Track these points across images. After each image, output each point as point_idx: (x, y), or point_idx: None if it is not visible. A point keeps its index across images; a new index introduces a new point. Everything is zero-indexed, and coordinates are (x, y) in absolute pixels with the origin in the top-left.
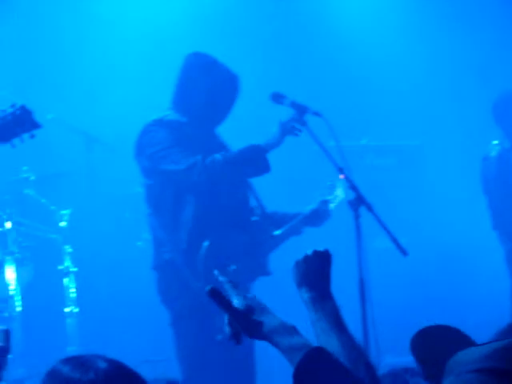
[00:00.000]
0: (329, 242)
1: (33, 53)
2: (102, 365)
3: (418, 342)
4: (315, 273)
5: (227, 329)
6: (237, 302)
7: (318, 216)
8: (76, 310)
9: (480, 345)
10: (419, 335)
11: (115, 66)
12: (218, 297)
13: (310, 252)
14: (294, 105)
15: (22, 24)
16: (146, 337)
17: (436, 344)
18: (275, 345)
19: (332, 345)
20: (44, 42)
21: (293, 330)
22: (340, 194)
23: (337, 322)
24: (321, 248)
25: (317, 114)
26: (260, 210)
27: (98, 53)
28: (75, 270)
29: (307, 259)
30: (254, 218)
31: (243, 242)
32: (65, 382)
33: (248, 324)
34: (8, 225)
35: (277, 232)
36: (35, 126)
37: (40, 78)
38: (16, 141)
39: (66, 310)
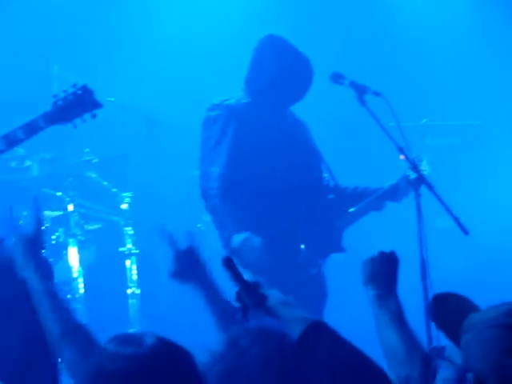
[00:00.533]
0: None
1: (96, 35)
2: (149, 340)
3: (435, 308)
4: (382, 274)
5: (236, 303)
6: (247, 276)
7: (398, 191)
8: (138, 291)
9: (495, 306)
10: (435, 301)
11: (176, 47)
12: (232, 267)
13: (377, 253)
14: (353, 85)
15: (86, 6)
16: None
17: (451, 308)
18: (279, 317)
19: (390, 336)
20: (108, 25)
21: (294, 304)
22: (425, 168)
23: (398, 317)
24: (387, 250)
25: (377, 93)
26: (334, 186)
27: (158, 34)
28: (137, 251)
29: (375, 260)
30: (329, 196)
31: (316, 219)
32: (108, 356)
33: (256, 296)
34: (70, 207)
35: (351, 209)
36: (97, 105)
37: (101, 61)
38: (78, 121)
39: (128, 291)
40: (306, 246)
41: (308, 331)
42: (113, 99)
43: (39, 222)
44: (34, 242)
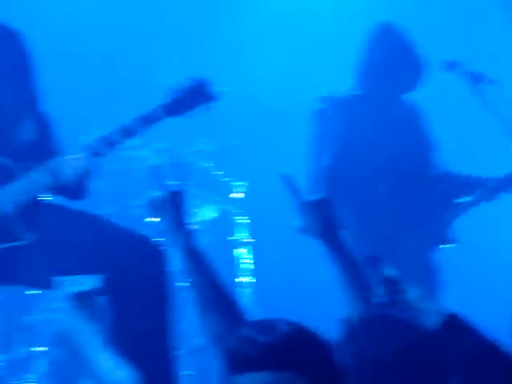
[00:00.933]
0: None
1: (209, 26)
2: (284, 328)
3: None
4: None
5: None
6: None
7: None
8: (253, 280)
9: None
10: None
11: (289, 35)
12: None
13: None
14: (468, 73)
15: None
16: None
17: None
18: (415, 308)
19: None
20: (220, 16)
21: (428, 296)
22: None
23: None
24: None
25: (492, 82)
26: (446, 174)
27: (272, 22)
28: (252, 240)
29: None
30: (439, 186)
31: (422, 211)
32: (247, 343)
33: (395, 290)
34: None
35: (463, 199)
36: (212, 98)
37: (215, 51)
38: (194, 113)
39: (243, 280)
40: (412, 239)
41: (446, 323)
42: (228, 89)
43: (185, 182)
44: (182, 201)
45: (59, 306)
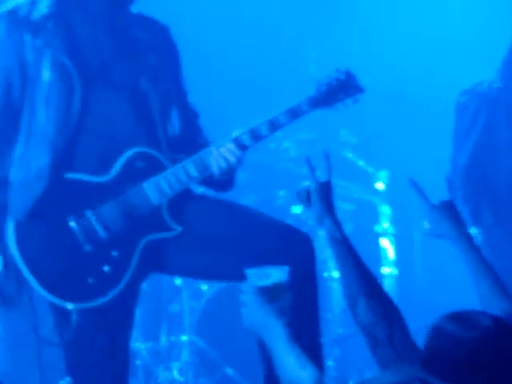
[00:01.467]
0: None
1: (350, 18)
2: (486, 322)
3: None
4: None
5: None
6: None
7: None
8: (395, 272)
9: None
10: None
11: (429, 28)
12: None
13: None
14: None
15: None
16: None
17: None
18: None
19: None
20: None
21: None
22: None
23: None
24: None
25: None
26: None
27: (410, 18)
28: (394, 231)
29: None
30: None
31: None
32: (450, 340)
33: None
34: None
35: None
36: (359, 90)
37: (355, 43)
38: (340, 105)
39: (385, 270)
40: None
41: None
42: (368, 80)
43: (331, 172)
44: (330, 191)
45: (247, 300)
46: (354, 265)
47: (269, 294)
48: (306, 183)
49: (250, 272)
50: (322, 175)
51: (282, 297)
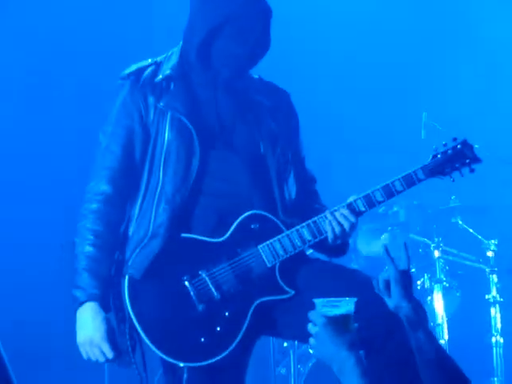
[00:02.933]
0: None
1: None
2: None
3: None
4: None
5: None
6: None
7: None
8: (500, 340)
9: None
10: None
11: None
12: None
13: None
14: None
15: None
16: None
17: None
18: None
19: None
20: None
21: None
22: None
23: None
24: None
25: None
26: None
27: None
28: (501, 300)
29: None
30: None
31: None
32: None
33: None
34: (436, 253)
35: None
36: (476, 160)
37: (467, 109)
38: (456, 174)
39: (493, 339)
40: None
41: None
42: (477, 146)
43: (409, 259)
44: (409, 280)
45: (316, 331)
46: (431, 350)
47: (338, 324)
48: (385, 273)
49: (318, 301)
50: (401, 263)
51: (351, 328)
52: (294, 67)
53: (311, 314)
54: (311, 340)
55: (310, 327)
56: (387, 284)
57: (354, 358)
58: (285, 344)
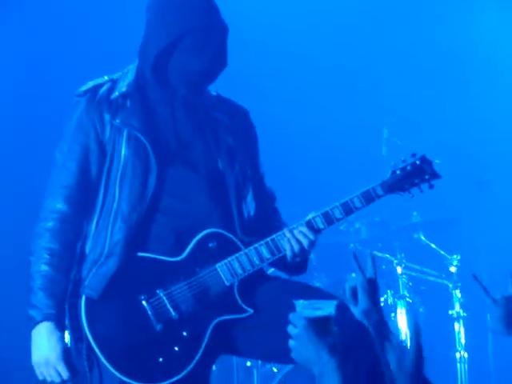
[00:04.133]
0: None
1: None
2: None
3: None
4: None
5: None
6: None
7: None
8: (465, 355)
9: None
10: None
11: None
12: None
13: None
14: None
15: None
16: None
17: None
18: None
19: None
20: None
21: None
22: None
23: None
24: None
25: None
26: None
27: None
28: (464, 315)
29: None
30: None
31: None
32: None
33: None
34: (399, 270)
35: None
36: (435, 176)
37: (427, 124)
38: (415, 190)
39: (457, 355)
40: None
41: None
42: (438, 161)
43: (375, 268)
44: (376, 288)
45: (296, 332)
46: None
47: (318, 326)
48: (351, 281)
49: (299, 303)
50: (367, 272)
51: (331, 331)
52: (254, 81)
53: (292, 316)
54: (291, 342)
55: (290, 329)
56: (354, 291)
57: (335, 363)
58: (248, 363)
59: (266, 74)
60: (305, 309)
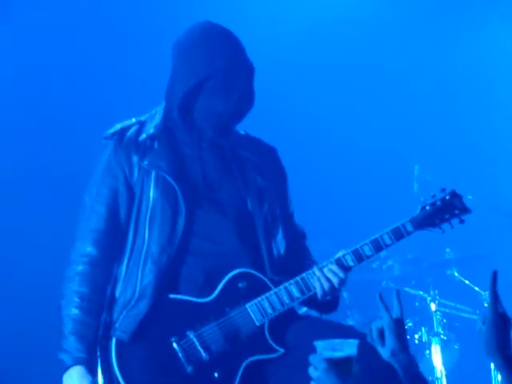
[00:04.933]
0: None
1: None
2: None
3: None
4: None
5: None
6: None
7: None
8: None
9: None
10: None
11: None
12: None
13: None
14: None
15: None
16: None
17: None
18: None
19: None
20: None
21: None
22: None
23: None
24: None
25: None
26: None
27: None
28: None
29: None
30: None
31: None
32: None
33: None
34: (433, 306)
35: None
36: (465, 211)
37: (460, 161)
38: (445, 226)
39: None
40: None
41: None
42: (470, 197)
43: (402, 307)
44: (403, 327)
45: (317, 375)
46: None
47: (340, 368)
48: (378, 321)
49: (319, 344)
50: (393, 312)
51: (353, 371)
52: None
53: (312, 358)
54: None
55: (311, 371)
56: (381, 333)
57: None
58: None
59: (294, 113)
60: (325, 350)
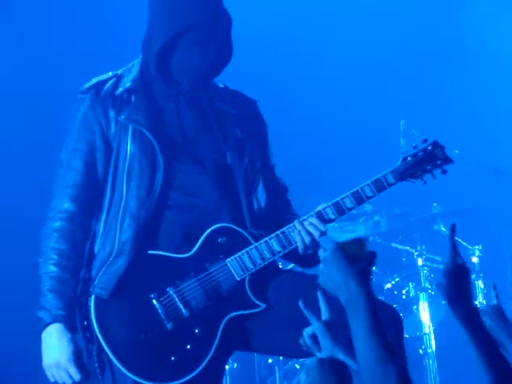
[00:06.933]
0: None
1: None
2: None
3: None
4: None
5: None
6: None
7: None
8: None
9: None
10: None
11: None
12: None
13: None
14: None
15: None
16: None
17: None
18: None
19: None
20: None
21: None
22: None
23: None
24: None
25: None
26: None
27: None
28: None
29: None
30: None
31: None
32: None
33: None
34: (419, 262)
35: None
36: (447, 161)
37: (445, 115)
38: (427, 177)
39: None
40: None
41: None
42: (457, 151)
43: (328, 308)
44: (335, 325)
45: (326, 256)
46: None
47: (350, 249)
48: (308, 329)
49: (330, 226)
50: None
51: (364, 254)
52: (271, 73)
53: (321, 240)
54: (320, 266)
55: (320, 252)
56: (314, 339)
57: (363, 294)
58: (270, 360)
59: (277, 69)
60: (335, 232)
